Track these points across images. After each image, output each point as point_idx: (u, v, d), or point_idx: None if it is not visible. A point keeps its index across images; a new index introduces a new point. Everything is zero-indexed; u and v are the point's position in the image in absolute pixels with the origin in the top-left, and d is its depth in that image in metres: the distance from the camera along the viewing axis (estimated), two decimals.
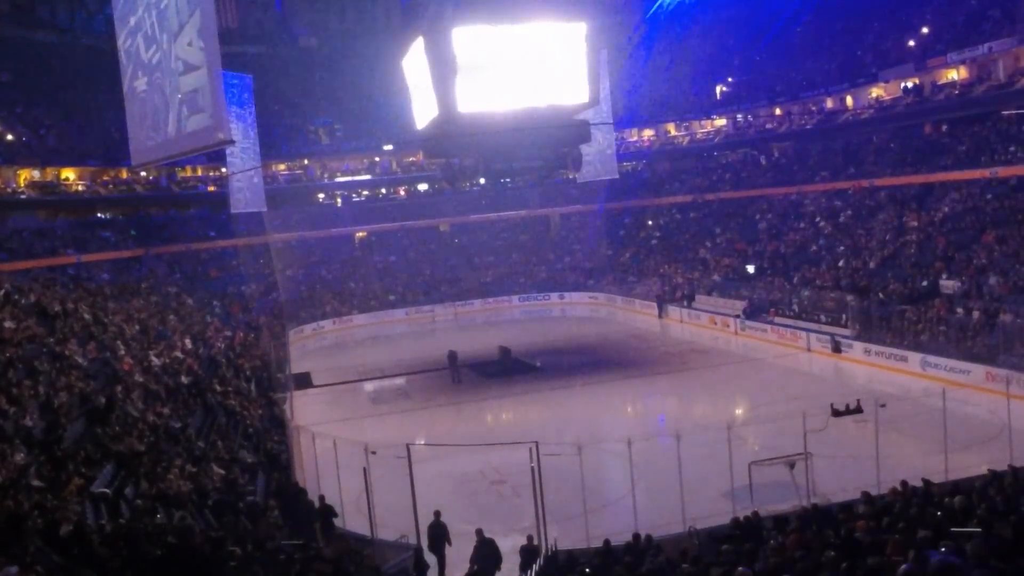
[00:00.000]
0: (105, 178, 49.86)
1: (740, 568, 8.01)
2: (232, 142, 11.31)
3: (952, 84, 39.35)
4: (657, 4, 60.76)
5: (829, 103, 47.16)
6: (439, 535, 13.92)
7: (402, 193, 61.48)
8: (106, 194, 49.59)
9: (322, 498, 15.30)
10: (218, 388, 23.71)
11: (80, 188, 48.73)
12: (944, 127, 40.30)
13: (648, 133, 59.22)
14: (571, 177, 44.35)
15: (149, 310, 34.47)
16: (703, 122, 55.89)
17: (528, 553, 13.05)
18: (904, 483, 11.95)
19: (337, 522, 15.46)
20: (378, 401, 29.01)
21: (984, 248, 29.84)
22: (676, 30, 58.59)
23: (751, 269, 39.93)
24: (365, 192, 61.16)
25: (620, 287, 47.24)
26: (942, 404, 15.84)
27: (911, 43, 42.58)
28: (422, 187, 60.78)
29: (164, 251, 47.86)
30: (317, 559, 9.99)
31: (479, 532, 13.37)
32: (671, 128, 58.01)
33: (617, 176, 43.26)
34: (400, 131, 50.83)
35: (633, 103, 54.65)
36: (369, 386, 31.29)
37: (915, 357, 25.78)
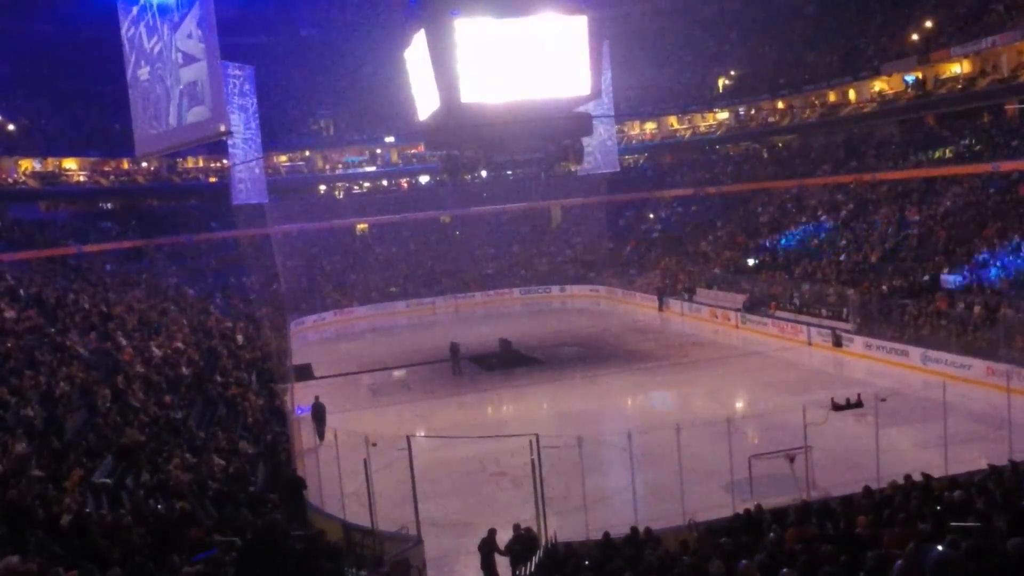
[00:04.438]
0: (106, 169, 49.82)
1: (742, 561, 8.01)
2: (231, 134, 11.32)
3: (955, 78, 39.24)
4: None
5: (831, 96, 47.04)
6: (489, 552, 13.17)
7: (404, 185, 61.46)
8: (107, 185, 49.56)
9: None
10: (219, 379, 23.75)
11: (81, 179, 48.70)
12: (946, 121, 40.24)
13: (650, 126, 59.11)
14: (572, 169, 44.35)
15: (150, 301, 34.50)
16: (705, 115, 55.73)
17: (525, 542, 13.07)
18: (908, 477, 11.96)
19: (337, 512, 15.53)
20: (379, 393, 29.04)
21: (985, 242, 29.80)
22: (678, 22, 58.39)
23: (752, 262, 39.92)
24: (367, 184, 61.17)
25: (621, 280, 47.24)
26: (942, 398, 15.85)
27: (914, 36, 42.43)
28: (423, 179, 60.73)
29: (165, 242, 47.87)
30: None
31: (516, 527, 13.27)
32: (673, 121, 57.85)
33: (618, 168, 43.29)
34: (402, 123, 50.74)
35: (635, 95, 54.54)
36: (370, 378, 31.32)
37: (916, 351, 25.77)
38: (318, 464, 17.18)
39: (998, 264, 27.90)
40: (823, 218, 40.24)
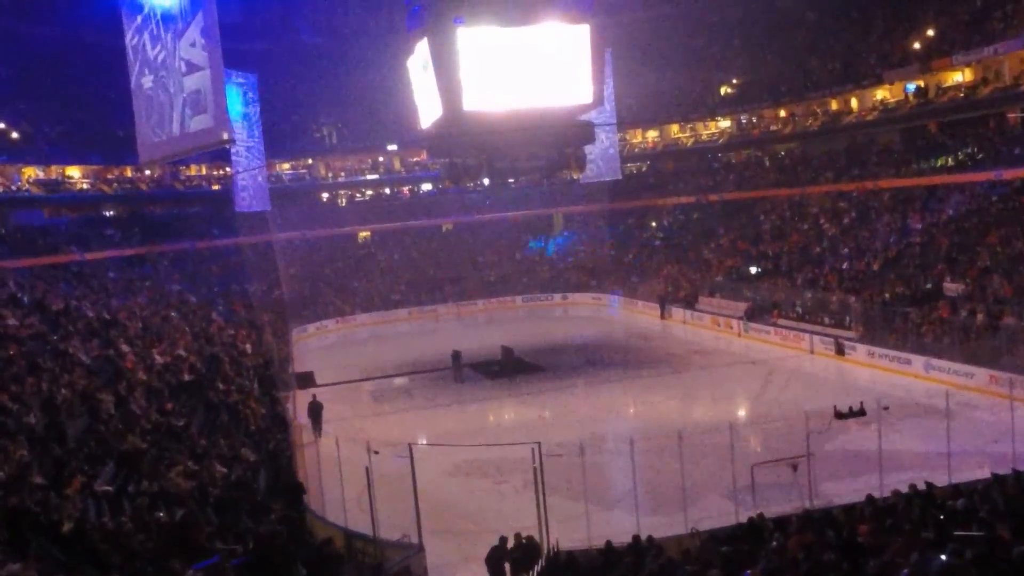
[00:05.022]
0: (109, 176, 49.93)
1: (747, 571, 7.98)
2: (233, 142, 11.36)
3: (957, 86, 39.25)
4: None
5: (833, 104, 47.02)
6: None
7: (406, 192, 61.58)
8: (110, 192, 49.67)
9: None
10: (220, 386, 23.74)
11: (84, 186, 48.82)
12: (948, 128, 40.24)
13: (652, 134, 59.15)
14: (575, 177, 44.47)
15: (152, 308, 34.53)
16: (707, 123, 55.80)
17: (527, 550, 13.03)
18: (913, 486, 11.93)
19: (338, 520, 15.50)
20: (381, 400, 29.02)
21: (988, 250, 29.76)
22: (680, 30, 58.47)
23: (754, 270, 39.89)
24: (369, 191, 61.30)
25: (623, 287, 47.22)
26: (945, 406, 15.81)
27: (916, 44, 42.47)
28: (426, 186, 60.86)
29: (168, 249, 47.92)
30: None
31: (518, 535, 13.28)
32: (675, 129, 57.91)
33: (620, 176, 43.33)
34: (404, 130, 50.85)
35: (637, 103, 54.62)
36: (372, 385, 31.30)
37: (918, 359, 25.72)
38: (319, 470, 17.15)
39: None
40: (825, 226, 40.21)
